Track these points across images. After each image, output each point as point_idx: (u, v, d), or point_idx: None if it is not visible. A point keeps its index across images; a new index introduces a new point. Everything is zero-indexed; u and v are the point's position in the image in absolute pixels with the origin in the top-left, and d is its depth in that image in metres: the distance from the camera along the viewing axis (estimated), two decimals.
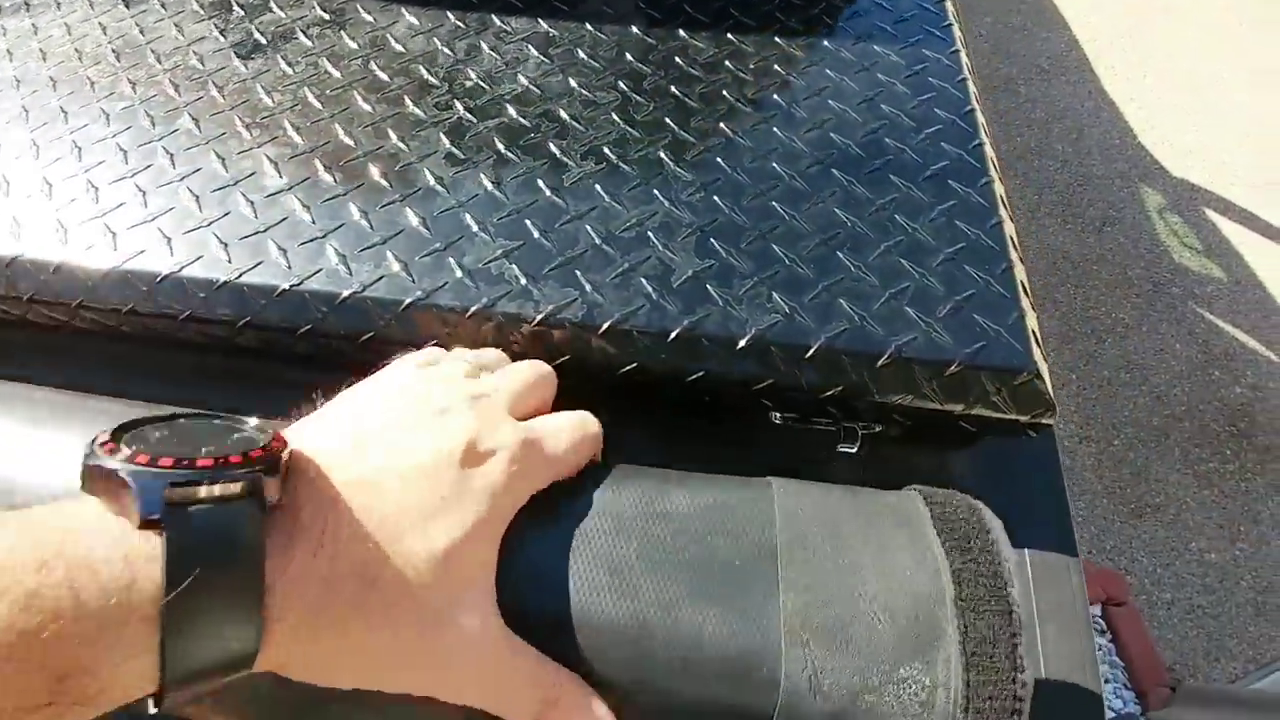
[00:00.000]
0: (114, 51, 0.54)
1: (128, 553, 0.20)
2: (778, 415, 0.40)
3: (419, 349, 0.38)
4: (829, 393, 0.38)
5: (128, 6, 0.58)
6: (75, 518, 0.21)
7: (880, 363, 0.37)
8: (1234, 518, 1.60)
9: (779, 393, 0.38)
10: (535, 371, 0.33)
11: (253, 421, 0.25)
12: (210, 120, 0.48)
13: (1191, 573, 1.54)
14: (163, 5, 0.58)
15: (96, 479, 0.21)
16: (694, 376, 0.38)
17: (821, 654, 0.25)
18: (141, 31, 0.56)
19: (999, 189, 0.45)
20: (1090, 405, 1.64)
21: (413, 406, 0.27)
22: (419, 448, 0.26)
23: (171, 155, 0.46)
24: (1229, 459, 1.65)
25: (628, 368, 0.38)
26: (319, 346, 0.39)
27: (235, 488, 0.21)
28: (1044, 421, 0.39)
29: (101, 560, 0.19)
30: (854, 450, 0.40)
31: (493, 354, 0.35)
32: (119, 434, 0.22)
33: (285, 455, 0.23)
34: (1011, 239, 0.43)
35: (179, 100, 0.50)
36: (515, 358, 0.38)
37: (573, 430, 0.30)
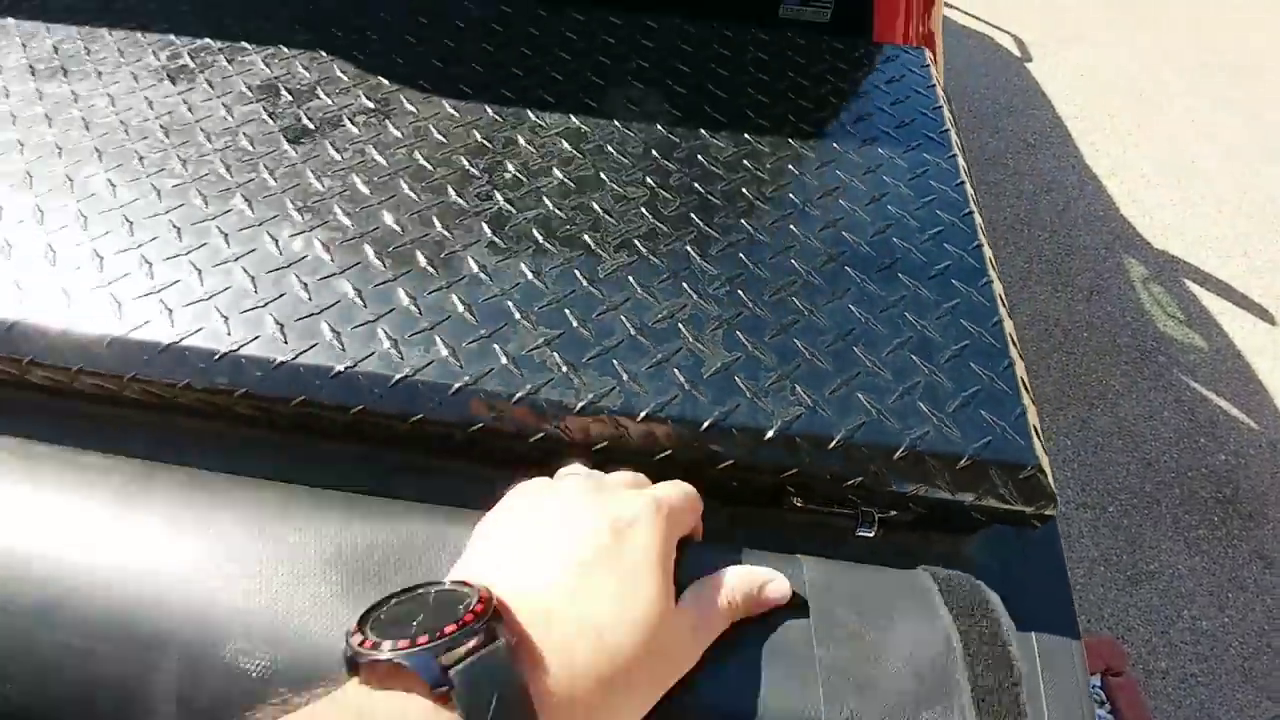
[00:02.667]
0: (162, 128, 0.57)
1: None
2: (798, 500, 0.43)
3: (466, 431, 0.41)
4: (849, 482, 0.40)
5: (174, 83, 0.62)
6: (373, 712, 0.25)
7: (897, 455, 0.39)
8: (1222, 585, 1.62)
9: (802, 480, 0.40)
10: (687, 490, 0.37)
11: (447, 582, 0.29)
12: (262, 202, 0.51)
13: (1185, 640, 1.55)
14: (209, 85, 0.62)
15: (373, 671, 0.26)
16: (724, 464, 0.40)
17: (856, 703, 0.31)
18: (190, 109, 0.59)
19: (998, 288, 0.48)
20: (1085, 471, 1.67)
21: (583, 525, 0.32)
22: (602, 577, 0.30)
23: (225, 235, 0.49)
24: (1216, 525, 1.67)
25: (661, 455, 0.40)
26: (369, 425, 0.42)
27: (480, 639, 0.26)
28: (1046, 513, 0.41)
29: None
30: (871, 534, 0.42)
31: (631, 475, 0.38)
32: (366, 626, 0.27)
33: (496, 601, 0.28)
34: (1011, 337, 0.46)
35: (231, 180, 0.53)
36: (557, 443, 0.40)
37: (685, 499, 0.36)
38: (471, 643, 0.25)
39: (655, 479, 0.39)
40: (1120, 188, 2.23)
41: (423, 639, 0.25)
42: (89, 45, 0.66)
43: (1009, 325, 0.46)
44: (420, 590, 0.29)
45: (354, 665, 0.26)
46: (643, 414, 0.40)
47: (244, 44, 0.65)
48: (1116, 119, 2.44)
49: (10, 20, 0.71)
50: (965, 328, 0.45)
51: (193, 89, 0.61)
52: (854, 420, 0.40)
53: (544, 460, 0.40)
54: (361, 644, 0.26)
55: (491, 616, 0.27)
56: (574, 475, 0.38)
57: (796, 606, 0.34)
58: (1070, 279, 2.00)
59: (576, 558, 0.30)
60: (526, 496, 0.35)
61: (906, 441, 0.40)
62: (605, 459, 0.40)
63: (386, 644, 0.25)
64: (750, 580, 0.33)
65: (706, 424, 0.40)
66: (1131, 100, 2.53)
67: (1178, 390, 1.81)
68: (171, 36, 0.66)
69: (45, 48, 0.66)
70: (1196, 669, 1.52)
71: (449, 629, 0.26)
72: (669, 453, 0.40)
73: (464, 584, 0.29)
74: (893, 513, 0.42)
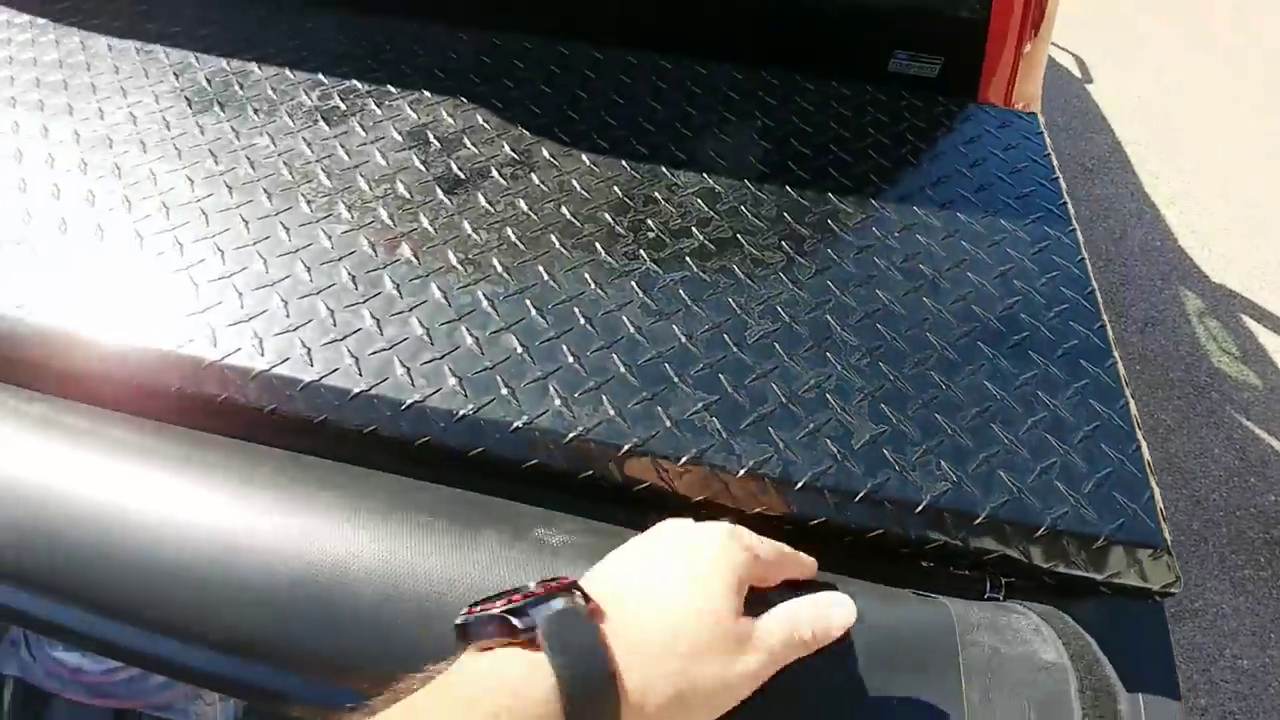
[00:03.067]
0: (324, 171, 0.61)
1: (530, 663, 0.29)
2: (928, 561, 0.46)
3: (634, 490, 0.44)
4: (990, 555, 0.43)
5: (328, 125, 0.66)
6: (479, 669, 0.29)
7: (1038, 533, 0.42)
8: (1265, 625, 1.62)
9: (945, 551, 0.43)
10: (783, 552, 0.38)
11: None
12: (427, 252, 0.55)
13: (1225, 679, 1.56)
14: (362, 129, 0.65)
15: (476, 638, 0.30)
16: (873, 533, 0.43)
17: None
18: (347, 154, 0.63)
19: (1121, 369, 0.51)
20: None
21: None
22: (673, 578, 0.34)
23: (398, 285, 0.52)
24: (1262, 566, 1.67)
25: (815, 522, 0.43)
26: (540, 478, 0.45)
27: (564, 600, 0.30)
28: (1171, 591, 0.44)
29: (520, 680, 0.28)
30: (1000, 597, 0.45)
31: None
32: (474, 606, 0.32)
33: (576, 582, 0.32)
34: (1136, 419, 0.48)
35: (395, 229, 0.56)
36: (718, 506, 0.44)
37: (781, 557, 0.38)
38: (557, 601, 0.30)
39: (806, 544, 0.42)
40: (1179, 217, 2.21)
41: (516, 597, 0.31)
42: (240, 80, 0.70)
43: (1133, 407, 0.49)
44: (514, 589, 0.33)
45: (461, 635, 0.31)
46: (800, 482, 0.43)
47: (389, 87, 0.69)
48: (1177, 146, 2.41)
49: (159, 48, 0.75)
50: (1095, 409, 0.48)
51: (347, 132, 0.65)
52: (997, 498, 0.43)
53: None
54: (466, 613, 0.31)
55: (571, 588, 0.32)
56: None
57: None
58: (1125, 309, 1.99)
59: (653, 558, 0.35)
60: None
61: (1047, 521, 0.42)
62: (762, 523, 0.43)
63: (479, 607, 0.31)
64: (814, 610, 0.35)
65: (860, 495, 0.43)
66: (1193, 127, 2.49)
67: (1229, 428, 1.80)
68: (320, 76, 0.70)
69: (197, 80, 0.71)
70: (1235, 707, 1.53)
71: (533, 590, 0.31)
72: (823, 520, 0.43)
73: (550, 579, 0.33)
74: (1015, 579, 0.45)
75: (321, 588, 0.37)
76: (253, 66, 0.72)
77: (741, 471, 0.43)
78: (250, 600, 0.37)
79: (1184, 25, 3.01)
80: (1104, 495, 0.44)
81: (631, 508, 0.45)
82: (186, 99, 0.69)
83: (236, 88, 0.70)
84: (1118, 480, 0.45)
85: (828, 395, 0.47)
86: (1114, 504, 0.43)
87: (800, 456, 0.44)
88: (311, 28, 0.77)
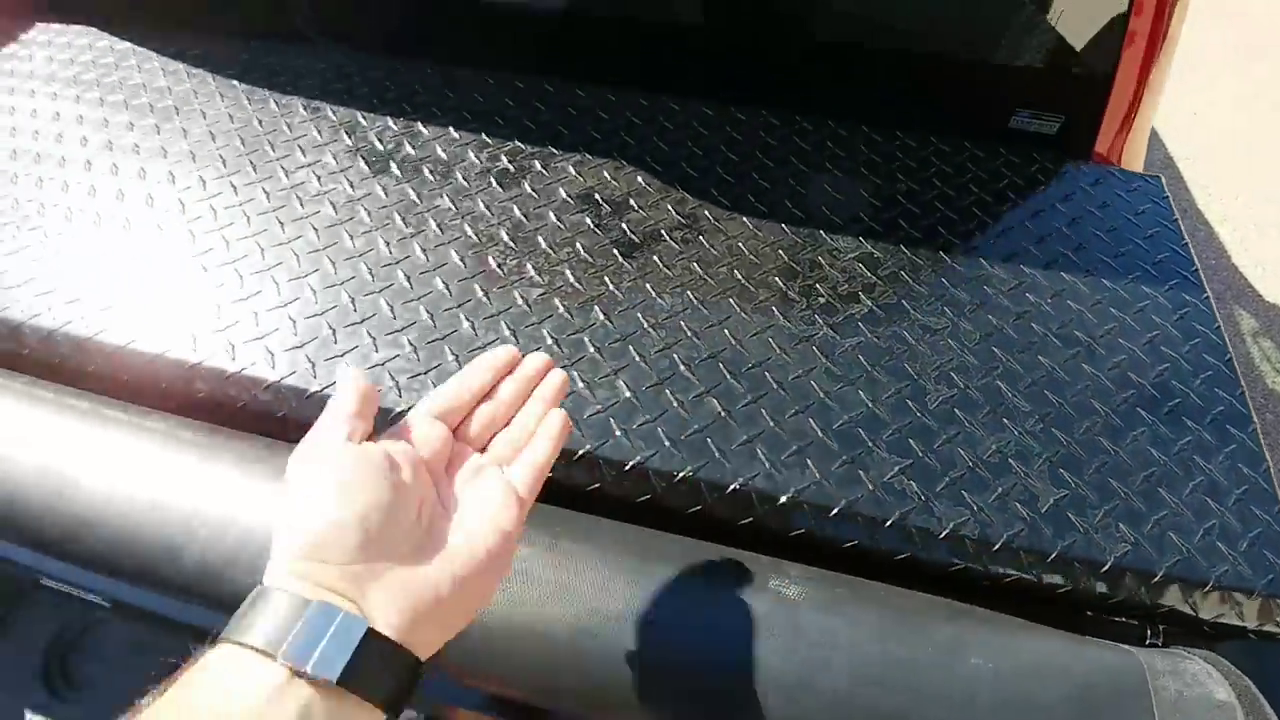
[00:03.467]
0: (507, 234, 0.67)
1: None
2: (1094, 611, 0.51)
3: (841, 547, 0.49)
4: (1162, 609, 0.48)
5: (502, 187, 0.71)
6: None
7: (1206, 589, 0.47)
8: None
9: (1122, 606, 0.48)
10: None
11: None
12: (619, 316, 0.60)
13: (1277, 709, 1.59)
14: (534, 191, 0.71)
15: None
16: (1061, 592, 0.48)
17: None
18: (525, 216, 0.68)
19: (1261, 434, 0.55)
20: None
21: None
22: None
23: (599, 349, 0.58)
24: None
25: (1008, 580, 0.48)
26: (752, 534, 0.50)
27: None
28: None
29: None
30: (1159, 643, 0.50)
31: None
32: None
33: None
34: (1276, 480, 0.53)
35: (585, 293, 0.62)
36: (914, 564, 0.49)
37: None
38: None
39: (999, 600, 0.47)
40: (1232, 234, 2.22)
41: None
42: (410, 141, 0.76)
43: (1273, 469, 0.53)
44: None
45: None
46: (998, 544, 0.48)
47: (551, 149, 0.74)
48: (1230, 163, 2.42)
49: (324, 104, 0.81)
50: (1243, 472, 0.52)
51: (520, 195, 0.70)
52: (1170, 557, 0.48)
53: (899, 577, 0.48)
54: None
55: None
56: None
57: None
58: None
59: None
60: None
61: (1213, 578, 0.47)
62: (961, 581, 0.48)
63: None
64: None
65: (1052, 555, 0.48)
66: (1246, 144, 2.50)
67: None
68: (484, 136, 0.76)
69: (369, 139, 0.76)
70: None
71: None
72: (1015, 578, 0.48)
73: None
74: (1170, 626, 0.50)
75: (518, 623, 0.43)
76: (419, 126, 0.77)
77: (944, 533, 0.48)
78: None
79: (1238, 40, 3.00)
80: (1256, 553, 0.48)
81: (835, 563, 0.50)
82: (363, 159, 0.74)
83: (409, 149, 0.75)
84: (1266, 539, 0.49)
85: (1010, 460, 0.52)
86: (1265, 561, 0.48)
87: (995, 519, 0.49)
88: (465, 84, 0.82)
